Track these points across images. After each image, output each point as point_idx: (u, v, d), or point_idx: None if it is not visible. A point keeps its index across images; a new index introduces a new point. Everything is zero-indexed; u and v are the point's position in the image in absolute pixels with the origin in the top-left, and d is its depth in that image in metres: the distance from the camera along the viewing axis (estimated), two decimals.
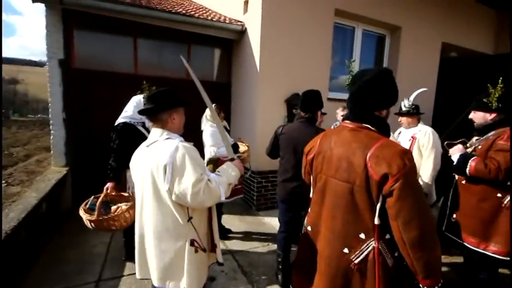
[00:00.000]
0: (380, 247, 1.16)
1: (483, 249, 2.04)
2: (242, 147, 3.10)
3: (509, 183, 1.93)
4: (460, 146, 2.14)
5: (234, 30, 4.40)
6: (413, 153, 2.66)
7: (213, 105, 3.05)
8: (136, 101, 2.59)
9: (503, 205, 1.97)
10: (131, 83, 4.16)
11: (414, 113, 2.77)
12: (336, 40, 4.56)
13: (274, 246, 3.18)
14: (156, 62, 4.55)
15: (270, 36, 3.96)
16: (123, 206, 2.21)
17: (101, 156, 4.02)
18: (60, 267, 2.59)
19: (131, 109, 2.55)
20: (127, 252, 2.70)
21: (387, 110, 1.31)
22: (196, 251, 1.41)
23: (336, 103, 4.45)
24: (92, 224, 2.00)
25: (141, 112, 1.53)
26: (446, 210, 2.28)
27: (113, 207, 2.21)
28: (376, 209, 1.14)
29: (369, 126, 1.23)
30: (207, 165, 2.85)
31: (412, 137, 2.77)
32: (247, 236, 3.45)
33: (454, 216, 2.20)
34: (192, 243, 1.39)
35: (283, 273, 2.47)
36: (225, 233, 3.34)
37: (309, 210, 1.45)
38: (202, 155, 2.63)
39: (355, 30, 4.85)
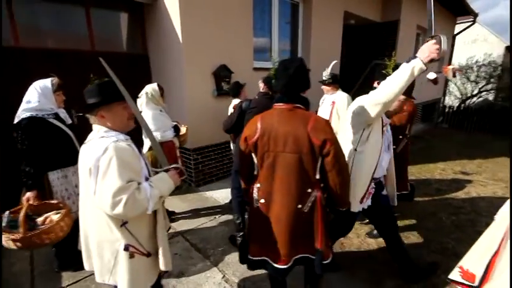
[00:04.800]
0: (320, 194, 1.55)
1: None
2: (183, 129, 3.01)
3: (400, 136, 2.51)
4: None
5: None
6: (333, 115, 3.18)
7: (155, 84, 2.93)
8: (41, 87, 2.08)
9: (395, 153, 2.54)
10: (11, 59, 3.30)
11: (331, 82, 3.26)
12: (255, 8, 4.52)
13: (222, 219, 3.33)
14: (45, 30, 3.63)
15: (190, 1, 3.63)
16: (53, 215, 1.91)
17: None
18: None
19: (35, 98, 2.03)
20: (60, 263, 2.40)
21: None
22: (132, 256, 1.36)
23: (262, 72, 4.57)
24: (17, 243, 1.68)
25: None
26: None
27: (39, 219, 1.88)
28: (317, 167, 1.51)
29: (300, 105, 1.55)
30: (146, 152, 2.63)
31: (332, 102, 3.24)
32: (192, 214, 3.46)
33: None
34: (126, 248, 1.34)
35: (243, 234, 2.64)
36: (170, 215, 3.27)
37: (259, 186, 1.63)
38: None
39: None
